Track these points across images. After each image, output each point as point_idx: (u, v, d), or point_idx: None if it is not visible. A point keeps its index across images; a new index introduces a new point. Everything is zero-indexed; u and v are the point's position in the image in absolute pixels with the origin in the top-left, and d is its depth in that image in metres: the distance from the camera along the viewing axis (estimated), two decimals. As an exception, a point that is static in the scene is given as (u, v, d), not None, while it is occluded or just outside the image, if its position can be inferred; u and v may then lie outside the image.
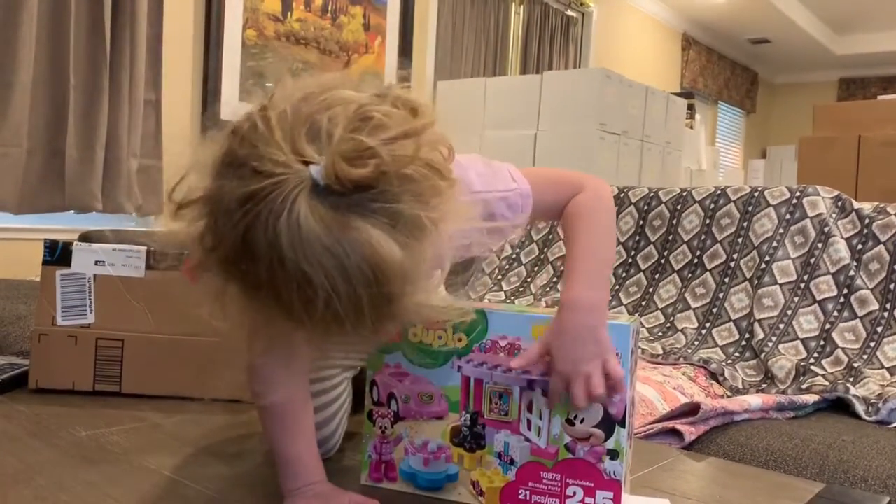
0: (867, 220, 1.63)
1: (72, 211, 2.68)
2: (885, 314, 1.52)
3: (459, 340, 0.69)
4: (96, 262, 0.99)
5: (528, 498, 0.69)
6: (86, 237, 2.17)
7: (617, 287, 1.86)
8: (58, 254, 1.01)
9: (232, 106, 3.22)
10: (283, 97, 0.54)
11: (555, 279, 1.97)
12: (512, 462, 0.69)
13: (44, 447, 0.82)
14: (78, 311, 0.99)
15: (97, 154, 2.67)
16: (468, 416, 0.69)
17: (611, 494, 0.67)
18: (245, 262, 0.51)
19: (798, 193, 1.72)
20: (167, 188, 0.57)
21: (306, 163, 0.50)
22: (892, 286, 1.54)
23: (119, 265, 0.97)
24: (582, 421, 0.67)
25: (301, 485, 0.67)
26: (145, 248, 0.99)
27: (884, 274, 1.56)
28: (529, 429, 0.68)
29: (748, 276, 1.68)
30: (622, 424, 0.67)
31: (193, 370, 1.00)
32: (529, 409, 0.68)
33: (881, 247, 1.59)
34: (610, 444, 0.67)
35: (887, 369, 1.44)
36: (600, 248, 0.72)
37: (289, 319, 0.53)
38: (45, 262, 1.02)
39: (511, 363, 0.67)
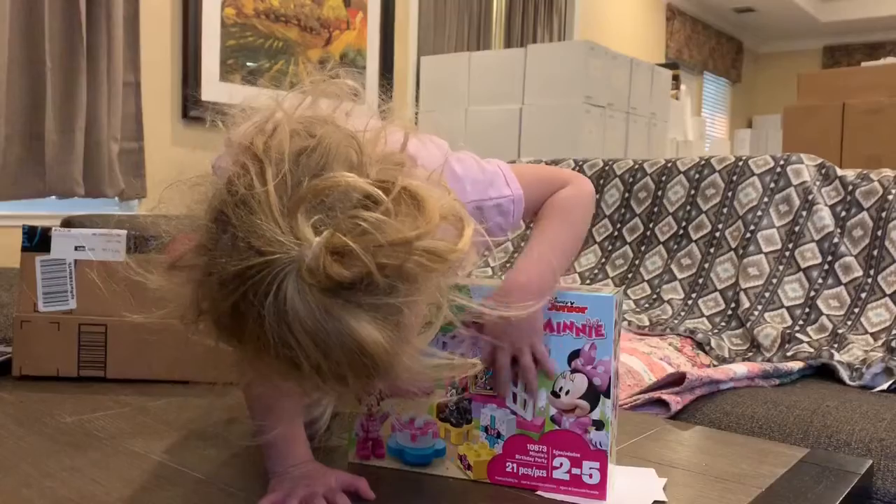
0: (850, 187, 1.64)
1: (53, 196, 2.65)
2: (869, 280, 1.53)
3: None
4: (76, 248, 0.98)
5: (515, 470, 0.69)
6: (67, 223, 2.15)
7: (603, 260, 1.87)
8: (37, 240, 1.00)
9: (213, 86, 3.18)
10: (278, 143, 0.52)
11: (541, 253, 1.97)
12: (499, 435, 0.69)
13: (28, 434, 0.81)
14: (59, 297, 0.99)
15: (77, 138, 2.63)
16: (454, 391, 0.70)
17: (597, 464, 0.67)
18: (234, 333, 0.51)
19: (782, 162, 1.72)
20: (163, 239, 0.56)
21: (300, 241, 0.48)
22: (875, 252, 1.55)
23: (99, 250, 0.96)
24: (567, 393, 0.68)
25: (288, 465, 0.68)
26: (125, 232, 0.98)
27: (867, 240, 1.57)
28: (515, 402, 0.69)
29: (733, 245, 1.68)
30: (606, 395, 0.67)
31: (178, 353, 0.99)
32: (515, 383, 0.69)
33: (864, 213, 1.60)
34: (595, 414, 0.67)
35: (871, 335, 1.45)
36: (565, 239, 0.74)
37: (276, 380, 0.54)
38: (24, 249, 1.00)
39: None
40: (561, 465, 0.68)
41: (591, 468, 0.67)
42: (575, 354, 0.67)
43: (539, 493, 0.69)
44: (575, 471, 0.68)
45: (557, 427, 0.68)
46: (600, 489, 0.67)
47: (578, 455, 0.68)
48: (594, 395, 0.67)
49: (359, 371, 0.50)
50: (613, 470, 0.70)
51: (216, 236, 0.51)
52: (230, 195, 0.51)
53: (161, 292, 0.55)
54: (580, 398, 0.67)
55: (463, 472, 0.71)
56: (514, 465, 0.69)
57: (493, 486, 0.70)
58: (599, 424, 0.67)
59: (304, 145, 0.52)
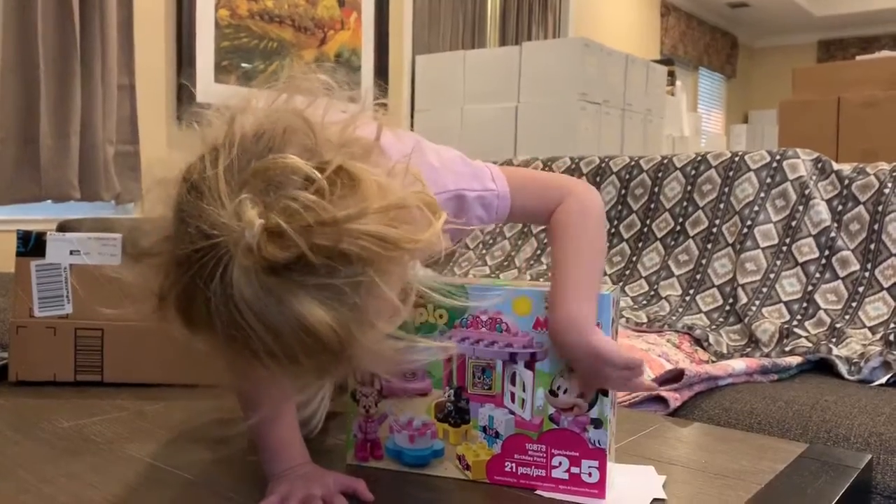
0: (847, 182, 1.64)
1: (48, 201, 2.64)
2: (866, 274, 1.53)
3: (440, 317, 0.68)
4: (71, 252, 0.97)
5: (514, 470, 0.69)
6: (63, 227, 2.14)
7: (601, 257, 1.87)
8: (31, 244, 1.00)
9: (208, 88, 3.18)
10: (234, 131, 0.53)
11: (538, 251, 1.97)
12: (497, 435, 0.69)
13: (26, 440, 0.81)
14: (55, 301, 0.98)
15: (72, 141, 2.63)
16: (452, 391, 0.69)
17: (596, 463, 0.67)
18: (189, 319, 0.52)
19: (778, 157, 1.72)
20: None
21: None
22: (872, 246, 1.55)
23: (95, 254, 0.96)
24: (565, 391, 0.67)
25: (285, 467, 0.67)
26: (120, 235, 0.97)
27: (864, 234, 1.57)
28: (513, 401, 0.68)
29: (730, 241, 1.68)
30: (605, 393, 0.67)
31: (175, 357, 0.99)
32: (513, 382, 0.68)
33: (861, 207, 1.60)
34: (593, 413, 0.67)
35: (869, 328, 1.45)
36: (589, 260, 0.70)
37: (241, 368, 0.56)
38: (18, 254, 1.00)
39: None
40: (560, 464, 0.68)
41: (589, 467, 0.67)
42: None
43: (538, 492, 0.69)
44: (574, 469, 0.67)
45: (556, 426, 0.67)
46: (599, 488, 0.67)
47: (577, 454, 0.67)
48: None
49: (309, 351, 0.49)
50: (613, 468, 0.70)
51: (174, 224, 0.52)
52: (184, 182, 0.52)
53: (131, 287, 0.56)
54: (579, 396, 0.67)
55: (462, 473, 0.71)
56: (513, 465, 0.69)
57: (492, 485, 0.70)
58: (598, 423, 0.67)
59: (259, 131, 0.53)
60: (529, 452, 0.68)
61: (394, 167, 0.55)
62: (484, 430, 0.69)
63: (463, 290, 0.67)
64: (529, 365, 0.67)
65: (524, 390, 0.68)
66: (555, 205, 0.74)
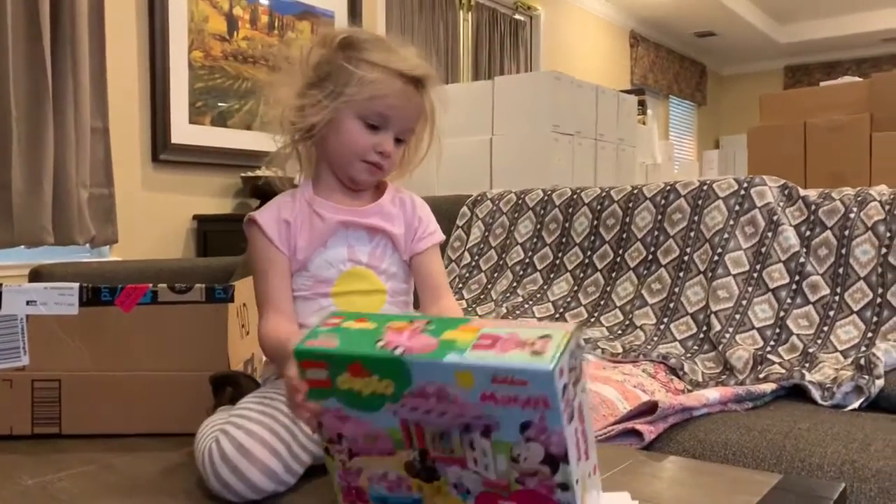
0: (813, 207, 1.67)
1: (22, 246, 2.62)
2: (836, 298, 1.55)
3: (387, 387, 0.65)
4: (28, 303, 0.96)
5: None
6: (36, 273, 2.12)
7: (575, 287, 1.88)
8: (-11, 296, 0.98)
9: (183, 128, 3.18)
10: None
11: (514, 284, 1.98)
12: (468, 492, 0.68)
13: (-13, 500, 0.79)
14: (11, 353, 0.97)
15: (45, 186, 2.61)
16: (416, 453, 0.68)
17: None
18: None
19: (745, 184, 1.75)
20: None
21: None
22: (840, 270, 1.57)
23: (52, 304, 0.95)
24: (525, 460, 0.64)
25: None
26: (77, 285, 0.96)
27: (832, 259, 1.59)
28: (476, 465, 0.66)
29: (702, 268, 1.70)
30: (565, 461, 0.63)
31: (135, 406, 0.98)
32: (472, 448, 0.65)
33: (828, 232, 1.62)
34: (558, 478, 0.64)
35: (841, 352, 1.47)
36: None
37: None
38: (-24, 306, 0.99)
39: None
40: None
41: None
42: (526, 426, 0.62)
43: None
44: None
45: (522, 487, 0.65)
46: None
47: None
48: (553, 461, 0.63)
49: None
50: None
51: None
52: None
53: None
54: (540, 463, 0.63)
55: None
56: None
57: None
58: (564, 486, 0.64)
59: None
60: None
61: None
62: (455, 486, 0.68)
63: (401, 365, 0.64)
64: (485, 435, 0.64)
65: (485, 455, 0.65)
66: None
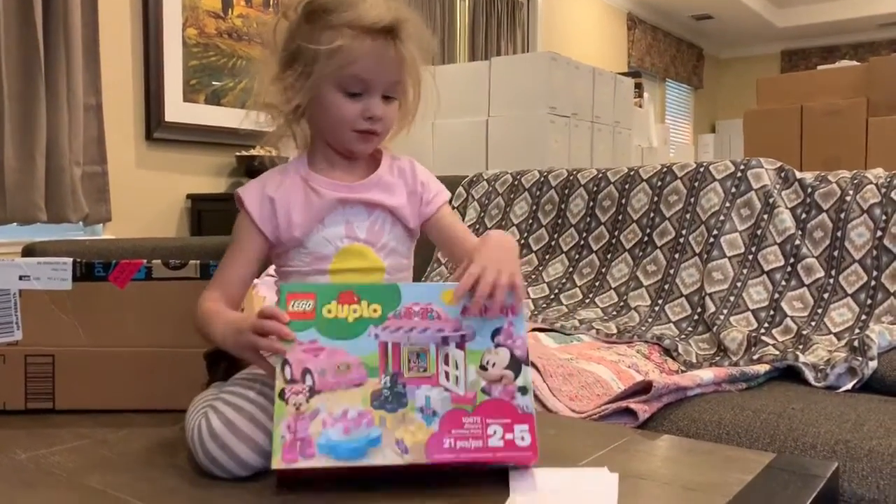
0: (809, 190, 1.67)
1: (14, 223, 2.60)
2: (831, 280, 1.56)
3: (375, 311, 0.75)
4: (21, 277, 0.95)
5: (453, 445, 0.72)
6: (29, 250, 2.10)
7: (570, 269, 1.88)
8: (-18, 271, 0.98)
9: (177, 107, 3.15)
10: None
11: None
12: (434, 413, 0.73)
13: (-20, 473, 0.79)
14: (4, 328, 0.96)
15: (37, 163, 2.58)
16: (388, 377, 0.74)
17: (526, 427, 0.74)
18: None
19: (742, 167, 1.74)
20: None
21: None
22: (835, 253, 1.58)
23: (45, 278, 0.94)
24: (493, 365, 0.76)
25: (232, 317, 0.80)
26: (71, 259, 0.96)
27: (828, 241, 1.60)
28: (448, 380, 0.75)
29: (697, 250, 1.70)
30: (526, 363, 0.76)
31: (129, 381, 0.97)
32: (446, 363, 0.75)
33: (824, 215, 1.63)
34: (519, 381, 0.75)
35: (834, 335, 1.47)
36: None
37: None
38: (-32, 281, 0.98)
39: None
40: (495, 432, 0.73)
41: (521, 431, 0.73)
42: (497, 332, 0.76)
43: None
44: (508, 436, 0.73)
45: (488, 397, 0.74)
46: (532, 450, 0.73)
47: (510, 420, 0.74)
48: (517, 364, 0.76)
49: None
50: (568, 473, 0.76)
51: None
52: None
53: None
54: (506, 368, 0.75)
55: (400, 457, 0.71)
56: (452, 440, 0.72)
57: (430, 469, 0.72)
58: (524, 390, 0.75)
59: None
60: (466, 425, 0.73)
61: None
62: (421, 410, 0.73)
63: (394, 290, 0.76)
64: (460, 346, 0.76)
65: (457, 368, 0.75)
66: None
